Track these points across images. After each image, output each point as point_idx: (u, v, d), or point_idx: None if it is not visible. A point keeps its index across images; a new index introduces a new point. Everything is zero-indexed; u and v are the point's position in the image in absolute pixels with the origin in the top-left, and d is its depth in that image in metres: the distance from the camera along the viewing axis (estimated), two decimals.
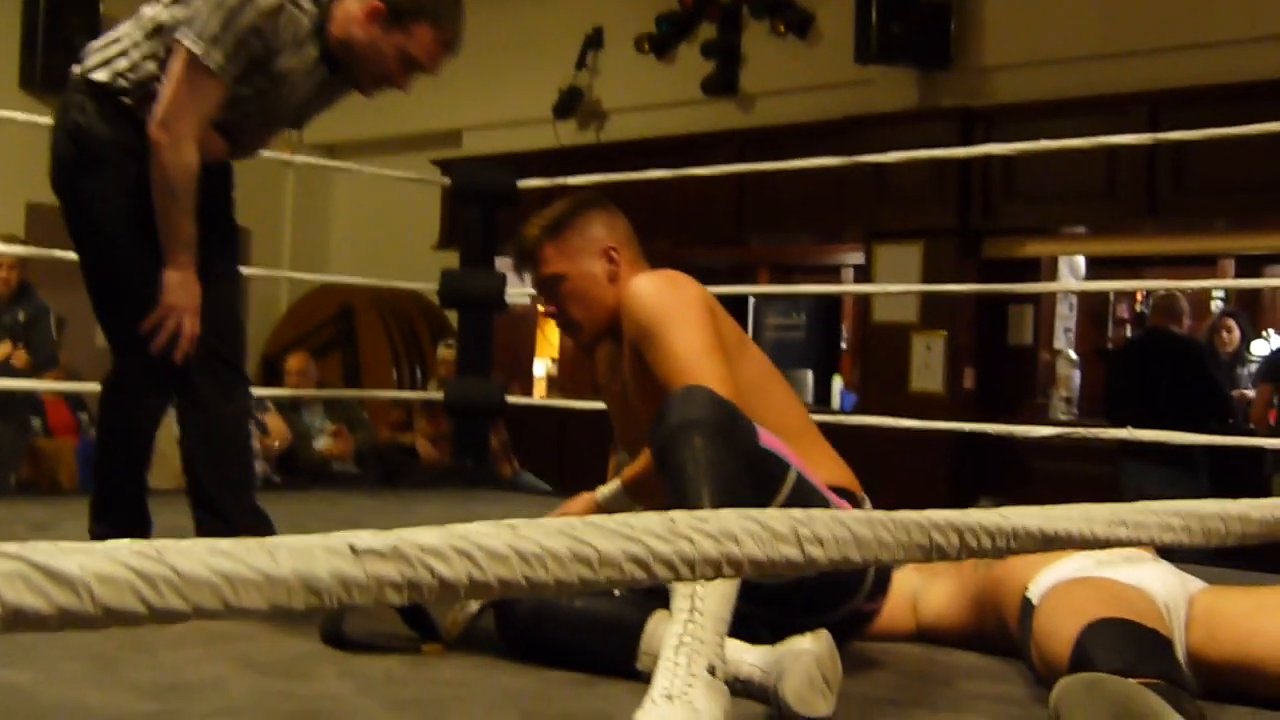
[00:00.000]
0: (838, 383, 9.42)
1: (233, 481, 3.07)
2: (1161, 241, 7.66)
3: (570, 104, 9.46)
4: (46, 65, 9.68)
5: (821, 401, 9.73)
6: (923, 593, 2.94)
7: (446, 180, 7.29)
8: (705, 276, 8.67)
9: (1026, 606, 2.52)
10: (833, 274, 9.89)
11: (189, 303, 2.92)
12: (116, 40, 2.95)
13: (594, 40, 9.45)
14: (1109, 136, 5.04)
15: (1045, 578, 2.55)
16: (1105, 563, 2.57)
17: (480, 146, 10.03)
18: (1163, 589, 2.45)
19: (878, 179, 7.81)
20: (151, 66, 2.87)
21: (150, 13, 2.91)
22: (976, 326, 7.83)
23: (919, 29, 7.78)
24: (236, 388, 3.13)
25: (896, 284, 7.72)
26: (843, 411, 8.80)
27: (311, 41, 2.90)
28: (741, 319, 10.06)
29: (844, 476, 2.66)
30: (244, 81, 2.87)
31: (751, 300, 10.11)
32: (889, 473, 7.43)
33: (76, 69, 2.97)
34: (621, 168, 9.27)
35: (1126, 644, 2.06)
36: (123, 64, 2.89)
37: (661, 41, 9.12)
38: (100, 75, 2.91)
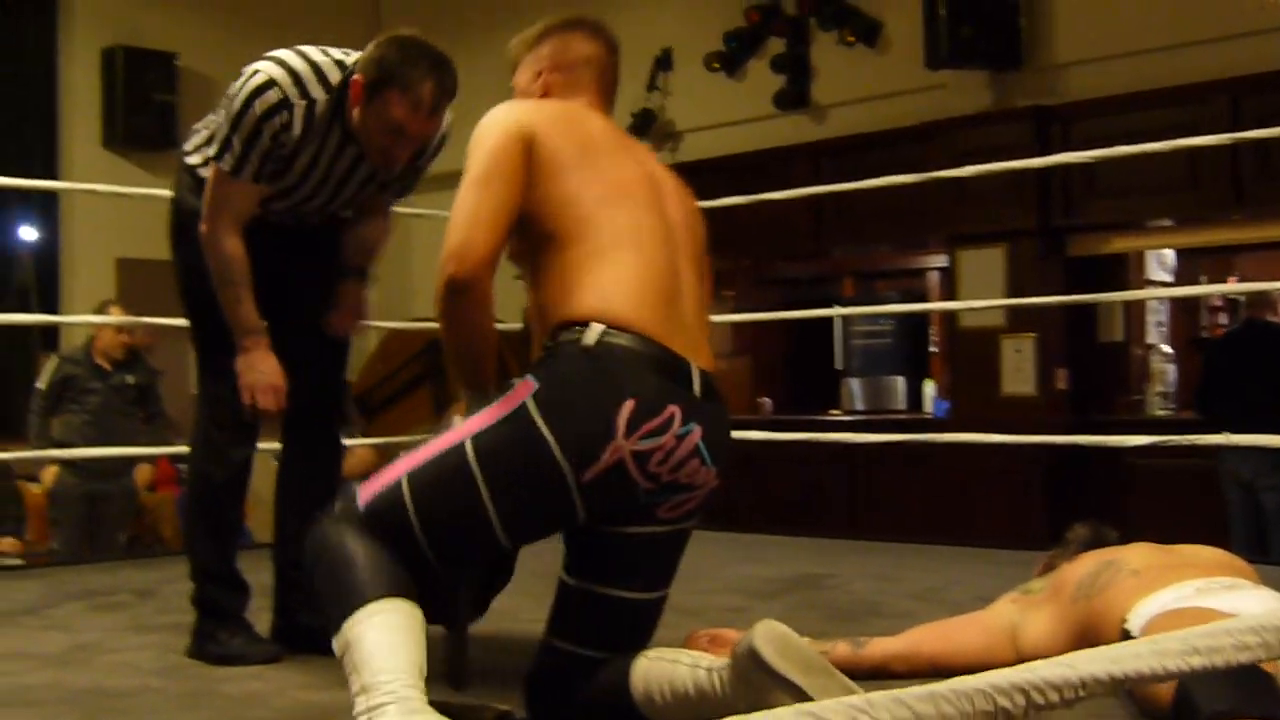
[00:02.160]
0: (929, 388, 9.36)
1: None
2: (1250, 229, 7.55)
3: (644, 126, 9.49)
4: (128, 123, 9.88)
5: (914, 407, 9.68)
6: (1022, 625, 2.92)
7: None
8: (789, 288, 8.77)
9: (1125, 638, 2.49)
10: (917, 277, 9.84)
11: (258, 379, 3.07)
12: (205, 126, 3.20)
13: (663, 61, 9.48)
14: (1186, 139, 4.93)
15: (1144, 608, 2.53)
16: (1205, 590, 2.54)
17: None
18: None
19: (956, 183, 7.73)
20: None
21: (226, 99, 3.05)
22: (1066, 325, 7.75)
23: (989, 30, 7.72)
24: (320, 445, 3.32)
25: (980, 288, 7.69)
26: (935, 418, 8.74)
27: (335, 125, 3.04)
28: (827, 327, 10.04)
29: (655, 327, 2.25)
30: (275, 177, 3.05)
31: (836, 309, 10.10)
32: (987, 478, 7.43)
33: (181, 150, 3.27)
34: (697, 187, 9.28)
35: (1230, 682, 2.01)
36: (210, 149, 3.11)
37: (731, 58, 9.14)
38: (191, 159, 3.19)
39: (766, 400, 10.27)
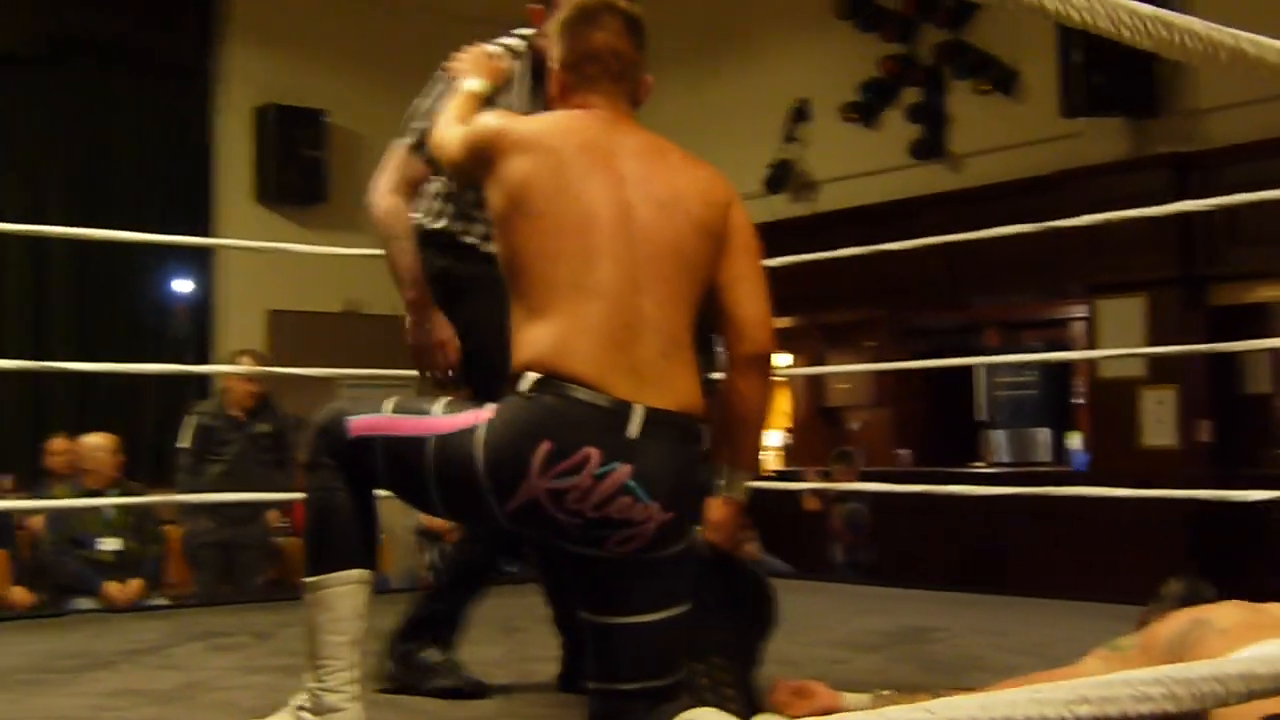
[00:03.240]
0: (1074, 440, 9.22)
1: None
2: None
3: (782, 177, 9.55)
4: (279, 179, 10.21)
5: (1060, 459, 9.55)
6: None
7: None
8: (931, 338, 8.74)
9: None
10: (1061, 327, 9.72)
11: (423, 339, 3.17)
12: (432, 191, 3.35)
13: (800, 112, 9.51)
14: None
15: None
16: None
17: None
18: None
19: (1094, 231, 7.63)
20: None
21: None
22: (1209, 377, 7.58)
23: (1125, 77, 7.64)
24: None
25: (1120, 338, 7.57)
26: (1075, 470, 8.60)
27: (526, 73, 3.19)
28: (969, 378, 9.96)
29: (592, 371, 2.36)
30: None
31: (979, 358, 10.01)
32: (1126, 531, 7.28)
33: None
34: (835, 236, 9.33)
35: None
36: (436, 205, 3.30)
37: (867, 108, 9.16)
38: (422, 221, 3.30)
39: (904, 452, 10.22)
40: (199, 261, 10.19)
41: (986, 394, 10.26)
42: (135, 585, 6.76)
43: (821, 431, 11.28)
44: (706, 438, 2.54)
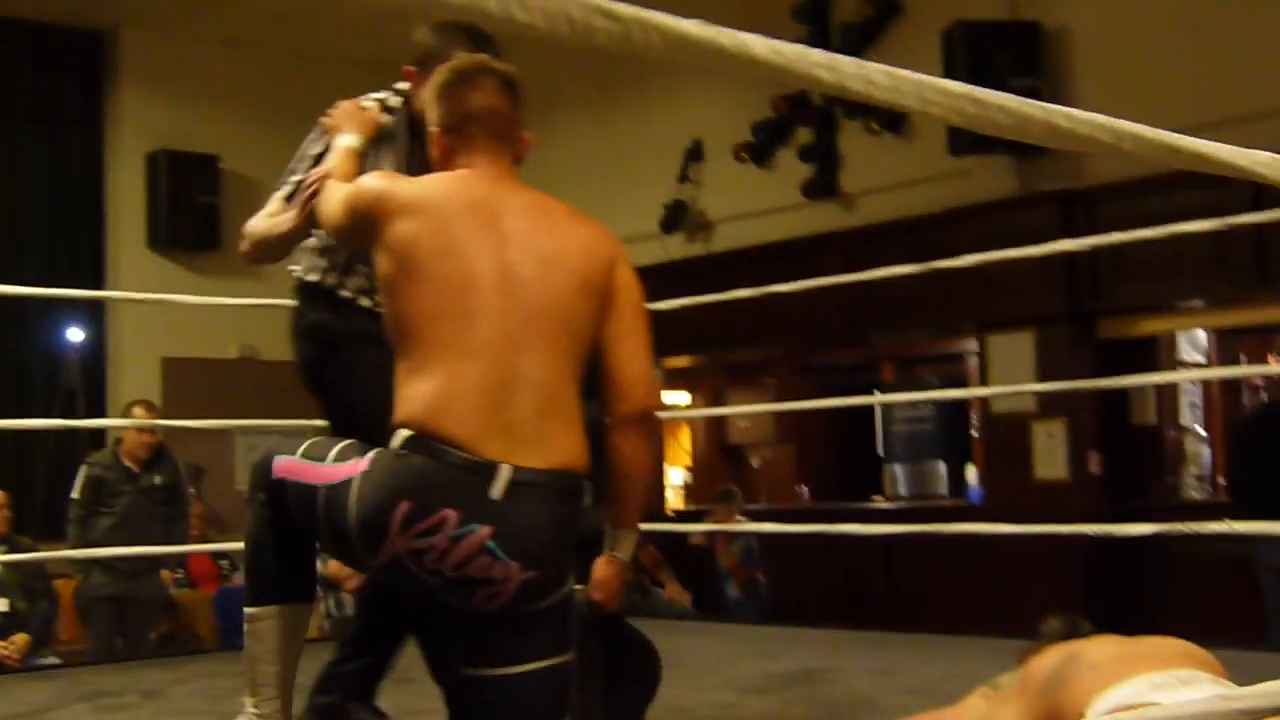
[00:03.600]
0: (972, 472, 9.34)
1: None
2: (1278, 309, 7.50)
3: (676, 217, 9.61)
4: (172, 225, 10.11)
5: (958, 492, 9.66)
6: (991, 717, 2.92)
7: None
8: (829, 375, 8.80)
9: None
10: (957, 362, 9.84)
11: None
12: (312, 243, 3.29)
13: (694, 153, 9.59)
14: (1207, 222, 4.93)
15: (1102, 704, 2.53)
16: (1160, 685, 2.54)
17: None
18: None
19: (984, 269, 7.74)
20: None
21: None
22: (1098, 409, 7.72)
23: None
24: None
25: (1011, 373, 7.69)
26: (970, 504, 8.71)
27: (403, 129, 3.14)
28: (869, 414, 10.05)
29: (463, 431, 2.41)
30: None
31: (878, 394, 10.11)
32: (1022, 565, 7.37)
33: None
34: (731, 276, 9.38)
35: None
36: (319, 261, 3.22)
37: (760, 149, 9.24)
38: (299, 273, 3.23)
39: (803, 488, 10.31)
40: (91, 310, 10.05)
41: (884, 429, 10.35)
42: (21, 640, 6.64)
43: (723, 469, 11.34)
44: (589, 492, 2.55)
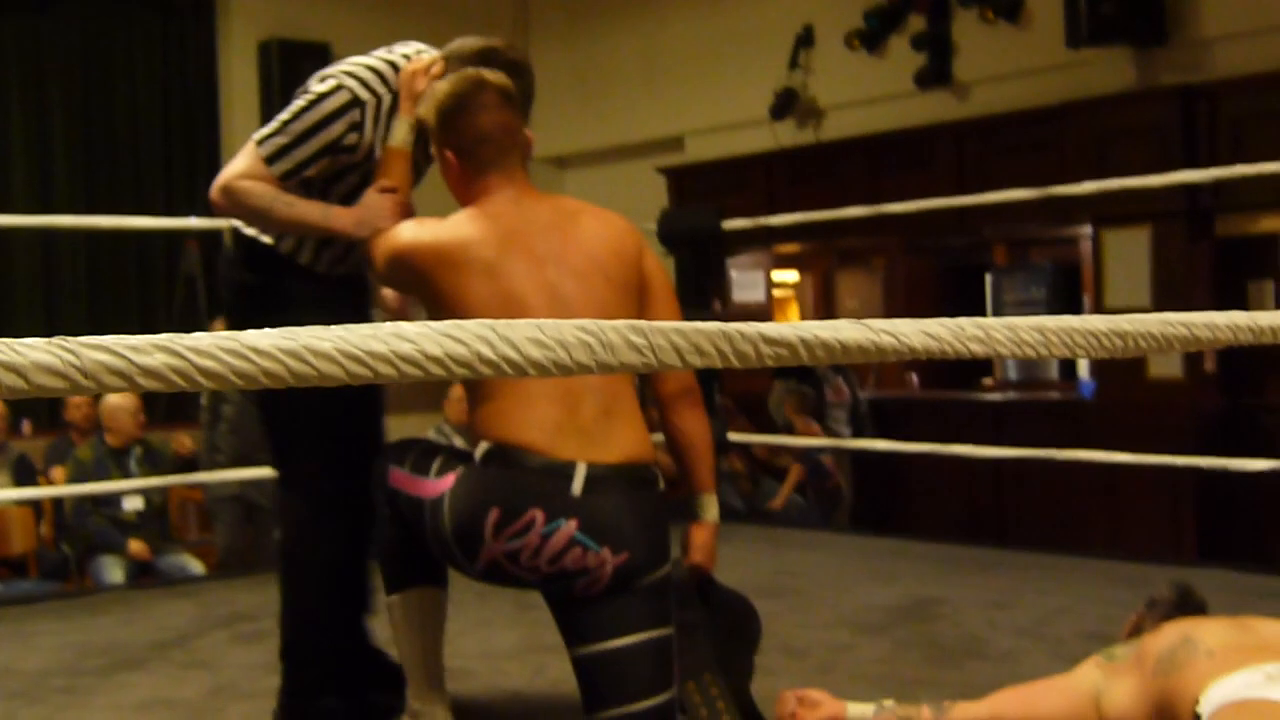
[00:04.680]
0: (1083, 362, 9.28)
1: None
2: None
3: (786, 104, 9.53)
4: None
5: (1067, 377, 9.62)
6: (1106, 692, 2.98)
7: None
8: (940, 256, 8.73)
9: None
10: (1070, 245, 9.73)
11: (374, 208, 2.98)
12: None
13: (804, 39, 9.48)
14: None
15: (1216, 692, 2.58)
16: (1275, 677, 2.59)
17: (702, 151, 10.18)
18: None
19: (1100, 161, 7.65)
20: None
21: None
22: (1215, 307, 7.60)
23: (1132, 6, 7.58)
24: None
25: (1126, 269, 7.61)
26: (1082, 396, 8.68)
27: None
28: (979, 295, 10.01)
29: (540, 438, 2.59)
30: (338, 178, 3.09)
31: (989, 277, 10.05)
32: (1134, 474, 7.36)
33: None
34: (841, 164, 9.37)
35: None
36: None
37: (871, 36, 9.10)
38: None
39: (912, 375, 10.31)
40: (207, 200, 10.20)
41: (995, 311, 10.30)
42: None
43: None
44: (661, 479, 2.75)
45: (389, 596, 2.96)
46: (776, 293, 11.21)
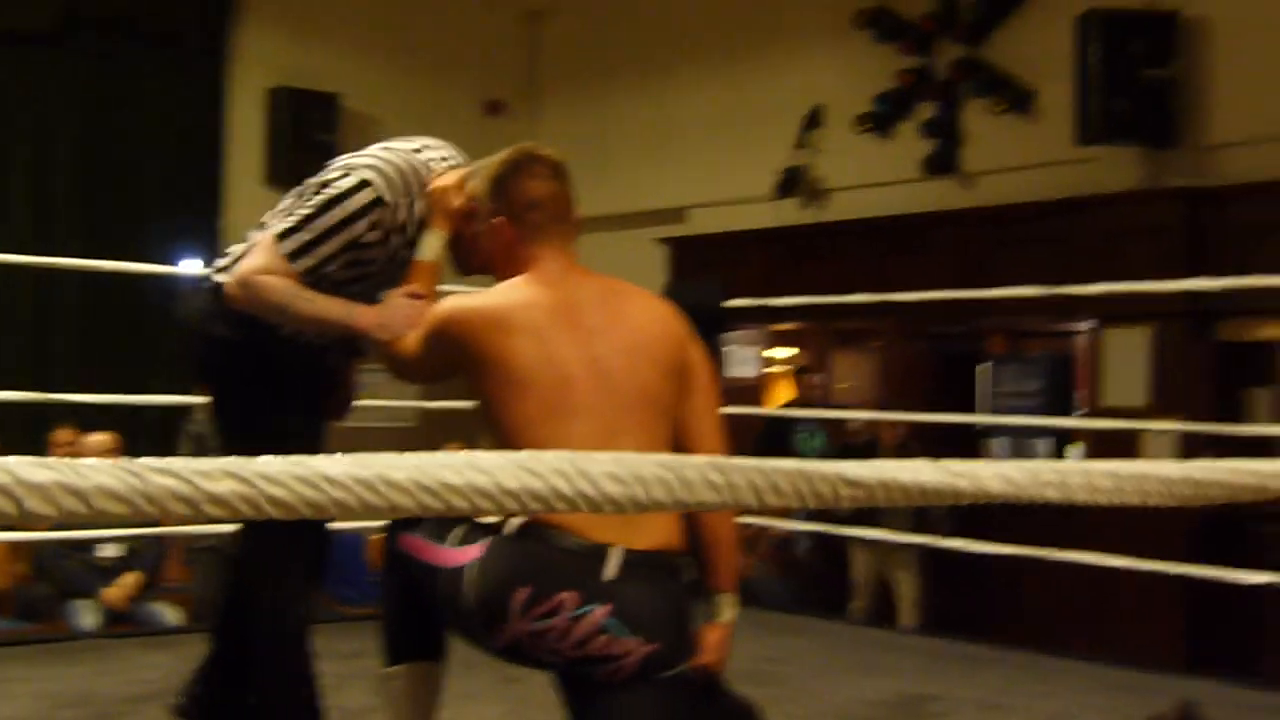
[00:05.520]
0: (1073, 452, 9.26)
1: None
2: None
3: (792, 182, 9.56)
4: (290, 162, 10.20)
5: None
6: None
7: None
8: (937, 342, 8.66)
9: None
10: (1066, 339, 9.73)
11: (395, 320, 2.97)
12: (241, 246, 3.27)
13: (813, 119, 9.51)
14: None
15: None
16: None
17: (704, 224, 10.19)
18: None
19: (1106, 258, 7.67)
20: None
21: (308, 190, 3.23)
22: (1213, 411, 7.60)
23: (1143, 106, 7.64)
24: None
25: (1125, 367, 7.60)
26: None
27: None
28: (969, 383, 9.99)
29: (575, 518, 2.52)
30: (352, 268, 3.10)
31: (985, 367, 10.03)
32: (1124, 584, 7.30)
33: (214, 267, 3.31)
34: (844, 246, 9.38)
35: None
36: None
37: (881, 119, 9.15)
38: (222, 277, 3.20)
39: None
40: (208, 243, 10.20)
41: (990, 403, 10.27)
42: (131, 581, 6.84)
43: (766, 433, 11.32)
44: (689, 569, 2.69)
45: (388, 668, 2.88)
46: (770, 370, 11.18)
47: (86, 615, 6.64)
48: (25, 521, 0.67)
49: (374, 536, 6.95)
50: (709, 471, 0.80)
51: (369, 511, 0.72)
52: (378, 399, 5.16)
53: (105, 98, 10.00)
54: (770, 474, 0.82)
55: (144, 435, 8.65)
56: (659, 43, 10.63)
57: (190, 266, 10.04)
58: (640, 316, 2.74)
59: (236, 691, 3.45)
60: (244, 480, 0.69)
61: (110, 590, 6.73)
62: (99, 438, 7.04)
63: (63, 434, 7.67)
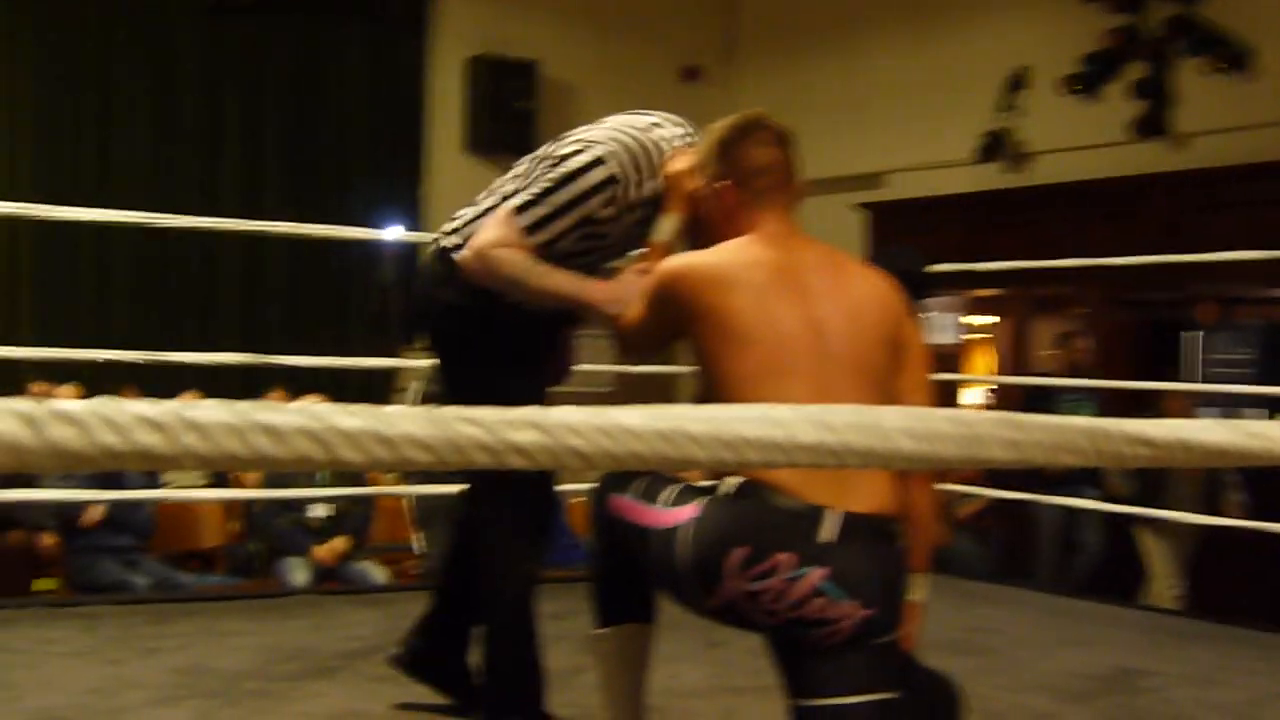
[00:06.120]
0: None
1: None
2: None
3: (994, 146, 9.37)
4: (490, 130, 10.34)
5: None
6: None
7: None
8: (1142, 309, 8.39)
9: None
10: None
11: (627, 294, 2.99)
12: (470, 210, 3.31)
13: (1018, 81, 9.30)
14: None
15: None
16: None
17: (902, 189, 10.05)
18: None
19: None
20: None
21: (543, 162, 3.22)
22: None
23: None
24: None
25: None
26: None
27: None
28: (1174, 350, 9.70)
29: (793, 479, 2.51)
30: (586, 241, 3.15)
31: (1193, 334, 9.73)
32: None
33: (441, 232, 3.37)
34: (1046, 210, 9.17)
35: None
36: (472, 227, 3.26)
37: (1088, 81, 8.91)
38: (449, 239, 3.29)
39: None
40: (410, 208, 10.41)
41: (1200, 371, 9.97)
42: (340, 543, 7.00)
43: (1022, 399, 11.10)
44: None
45: (599, 629, 2.90)
46: (970, 336, 11.01)
47: (298, 572, 6.82)
48: (334, 467, 0.68)
49: (575, 500, 7.02)
50: (1003, 428, 0.77)
51: (662, 463, 0.71)
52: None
53: (312, 69, 10.24)
54: (1065, 432, 0.79)
55: (349, 397, 8.85)
56: (855, 7, 10.50)
57: (394, 232, 10.30)
58: (860, 286, 2.70)
59: (455, 647, 3.53)
60: (546, 430, 0.69)
61: (321, 549, 6.91)
62: (69, 389, 7.25)
63: (37, 387, 7.49)
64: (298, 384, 7.80)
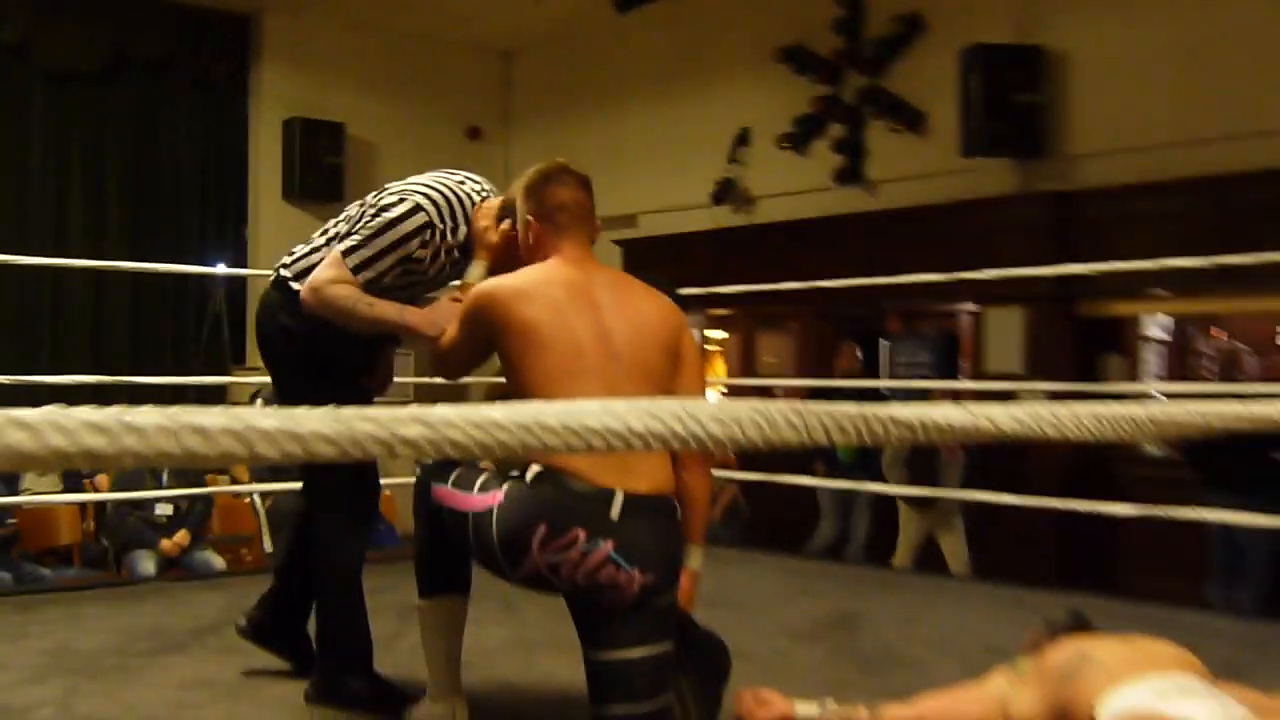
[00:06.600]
0: None
1: None
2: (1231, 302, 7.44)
3: (726, 192, 9.55)
4: (303, 181, 10.15)
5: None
6: (1013, 699, 2.94)
7: None
8: (844, 322, 8.61)
9: None
10: (952, 318, 9.79)
11: (441, 318, 2.95)
12: (306, 244, 3.24)
13: (742, 138, 9.51)
14: None
15: (1112, 702, 2.54)
16: (1162, 693, 2.55)
17: (652, 228, 10.16)
18: None
19: (986, 251, 7.69)
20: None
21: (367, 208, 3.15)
22: (1075, 375, 7.67)
23: (1016, 124, 7.68)
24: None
25: (1001, 341, 7.64)
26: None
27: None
28: (874, 356, 10.04)
29: (585, 466, 2.50)
30: (405, 277, 3.10)
31: (884, 342, 10.07)
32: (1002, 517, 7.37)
33: (280, 264, 3.27)
34: (768, 244, 9.38)
35: None
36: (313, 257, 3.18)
37: (799, 138, 9.16)
38: (288, 270, 3.20)
39: None
40: (237, 250, 10.14)
41: (890, 372, 10.33)
42: (183, 537, 6.76)
43: (750, 397, 11.35)
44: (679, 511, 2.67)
45: (421, 600, 2.86)
46: (709, 347, 11.20)
47: (146, 563, 6.57)
48: (254, 462, 0.66)
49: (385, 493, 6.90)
50: (790, 415, 0.80)
51: (527, 451, 0.71)
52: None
53: (149, 129, 9.93)
54: (837, 416, 0.82)
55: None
56: (611, 77, 10.60)
57: (222, 268, 10.00)
58: (645, 303, 2.70)
59: (293, 618, 3.45)
60: (429, 425, 0.68)
61: (167, 542, 6.66)
62: None
63: None
64: (141, 402, 7.48)
